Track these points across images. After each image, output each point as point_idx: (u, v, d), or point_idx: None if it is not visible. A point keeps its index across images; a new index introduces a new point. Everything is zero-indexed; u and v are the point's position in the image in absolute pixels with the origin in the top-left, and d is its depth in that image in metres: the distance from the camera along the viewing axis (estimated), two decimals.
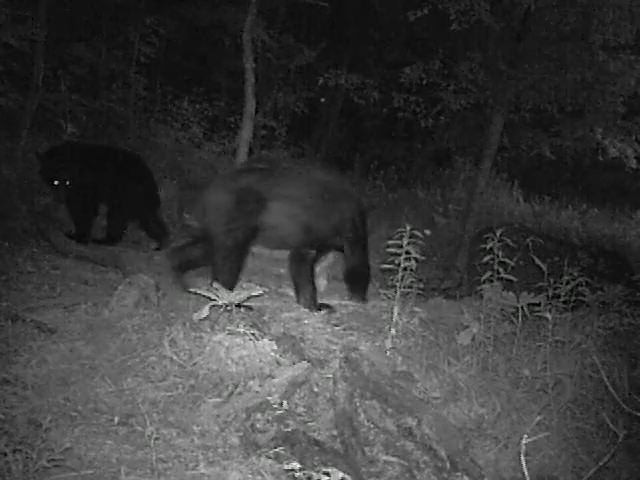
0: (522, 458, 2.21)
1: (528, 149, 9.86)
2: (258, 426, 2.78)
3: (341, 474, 2.40)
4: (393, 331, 3.76)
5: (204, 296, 3.88)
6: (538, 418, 2.79)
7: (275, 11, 10.93)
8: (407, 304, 4.01)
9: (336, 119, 12.92)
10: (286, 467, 2.53)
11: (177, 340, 3.58)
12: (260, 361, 3.43)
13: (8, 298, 4.19)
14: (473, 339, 3.70)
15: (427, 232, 3.89)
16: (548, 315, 3.47)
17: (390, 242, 3.84)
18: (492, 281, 3.77)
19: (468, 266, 6.11)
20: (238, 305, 3.82)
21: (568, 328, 3.74)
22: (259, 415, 2.83)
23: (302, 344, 3.72)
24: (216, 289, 3.86)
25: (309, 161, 10.86)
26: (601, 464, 2.65)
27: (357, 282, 4.80)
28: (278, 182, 4.30)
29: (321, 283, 5.20)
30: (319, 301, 4.62)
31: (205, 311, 3.69)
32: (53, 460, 2.44)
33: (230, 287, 4.00)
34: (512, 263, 3.76)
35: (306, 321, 4.14)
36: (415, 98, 8.31)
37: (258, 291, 4.08)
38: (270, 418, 2.81)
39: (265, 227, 4.32)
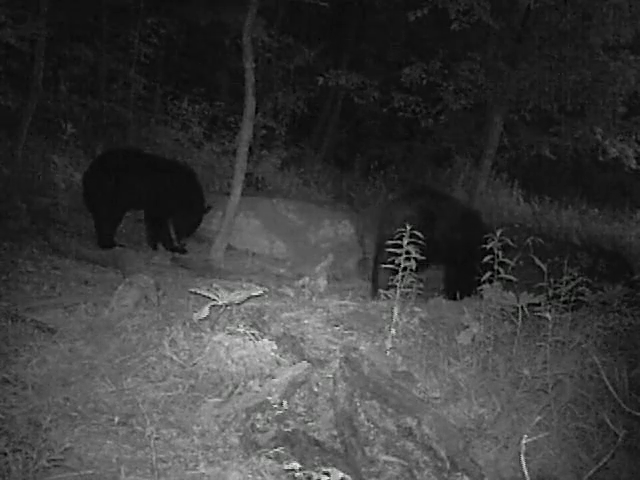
0: (522, 458, 2.21)
1: (528, 149, 9.85)
2: (258, 426, 2.78)
3: (341, 474, 2.40)
4: (393, 331, 3.76)
5: (204, 296, 3.88)
6: (538, 418, 2.79)
7: (275, 11, 10.90)
8: (407, 304, 4.01)
9: (336, 119, 12.90)
10: (286, 467, 2.53)
11: (177, 340, 3.58)
12: (260, 361, 3.43)
13: (8, 298, 4.19)
14: (473, 339, 3.70)
15: None
16: (548, 315, 3.46)
17: (390, 242, 3.84)
18: (492, 281, 3.77)
19: None
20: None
21: (568, 328, 3.73)
22: (259, 415, 2.83)
23: (302, 344, 3.71)
24: (216, 289, 3.86)
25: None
26: (601, 464, 2.65)
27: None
28: (437, 202, 5.04)
29: (321, 283, 5.20)
30: (318, 301, 4.65)
31: (205, 311, 3.69)
32: (53, 460, 2.44)
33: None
34: (512, 263, 3.76)
35: (306, 321, 4.14)
36: (415, 98, 8.32)
37: (258, 291, 4.09)
38: (270, 418, 2.82)
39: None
